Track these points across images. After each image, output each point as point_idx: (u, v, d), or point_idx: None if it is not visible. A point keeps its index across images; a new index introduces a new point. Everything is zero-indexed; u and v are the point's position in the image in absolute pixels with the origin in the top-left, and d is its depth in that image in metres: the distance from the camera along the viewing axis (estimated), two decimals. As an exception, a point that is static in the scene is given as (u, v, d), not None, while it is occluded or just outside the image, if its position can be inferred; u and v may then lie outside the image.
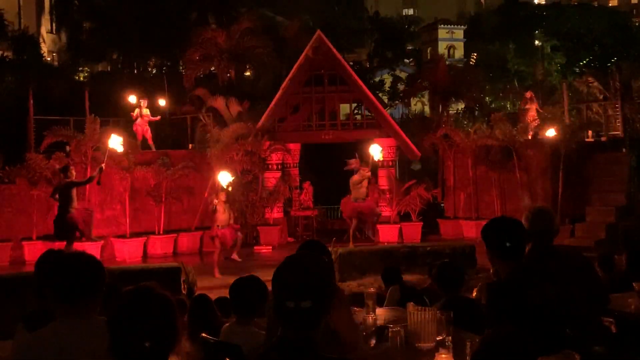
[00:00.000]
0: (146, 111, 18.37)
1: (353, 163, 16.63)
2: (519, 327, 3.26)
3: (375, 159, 16.13)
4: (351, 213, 16.63)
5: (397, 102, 28.17)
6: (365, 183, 16.63)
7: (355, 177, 16.53)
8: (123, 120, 18.99)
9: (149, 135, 18.30)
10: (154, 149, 18.13)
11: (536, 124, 18.19)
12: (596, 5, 48.33)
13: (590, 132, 19.25)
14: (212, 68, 24.09)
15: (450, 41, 45.77)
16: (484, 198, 18.57)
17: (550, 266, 4.18)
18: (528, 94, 19.52)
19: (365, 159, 16.45)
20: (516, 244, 4.00)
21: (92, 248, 14.31)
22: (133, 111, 18.37)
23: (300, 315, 2.45)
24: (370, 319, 4.57)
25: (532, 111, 18.88)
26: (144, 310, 2.45)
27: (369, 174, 16.65)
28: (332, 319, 3.70)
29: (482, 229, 4.12)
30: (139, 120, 18.16)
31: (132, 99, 18.64)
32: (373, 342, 4.29)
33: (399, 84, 28.80)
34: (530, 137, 17.92)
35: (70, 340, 2.88)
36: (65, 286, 3.00)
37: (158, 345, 2.42)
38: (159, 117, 19.11)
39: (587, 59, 32.94)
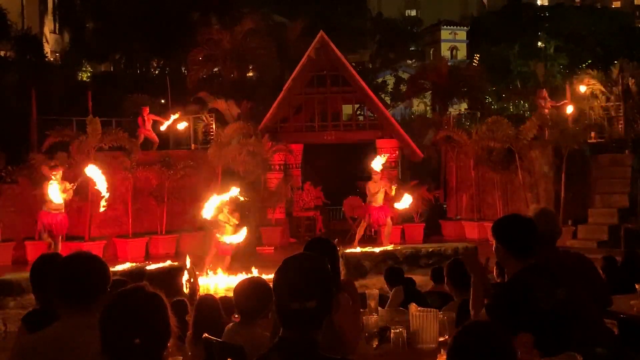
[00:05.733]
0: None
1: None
2: (523, 327, 3.26)
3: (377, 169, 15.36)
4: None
5: (399, 103, 28.16)
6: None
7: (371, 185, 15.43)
8: (125, 120, 18.99)
9: (153, 136, 18.21)
10: (155, 148, 18.11)
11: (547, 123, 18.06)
12: (599, 7, 48.27)
13: (592, 134, 19.21)
14: (216, 69, 24.09)
15: (453, 42, 45.77)
16: (487, 199, 18.55)
17: (552, 266, 4.18)
18: (543, 93, 19.33)
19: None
20: (530, 242, 3.98)
21: (94, 248, 14.38)
22: (138, 117, 18.24)
23: (305, 315, 2.45)
24: (372, 320, 4.57)
25: (547, 109, 18.69)
26: (133, 308, 2.47)
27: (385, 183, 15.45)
28: (336, 318, 3.70)
29: (494, 225, 4.07)
30: (145, 125, 18.04)
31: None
32: (375, 343, 4.29)
33: (401, 85, 28.77)
34: (531, 139, 17.82)
35: (74, 340, 2.89)
36: (70, 286, 3.01)
37: (148, 342, 2.43)
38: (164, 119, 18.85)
39: (590, 60, 32.90)
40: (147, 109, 18.37)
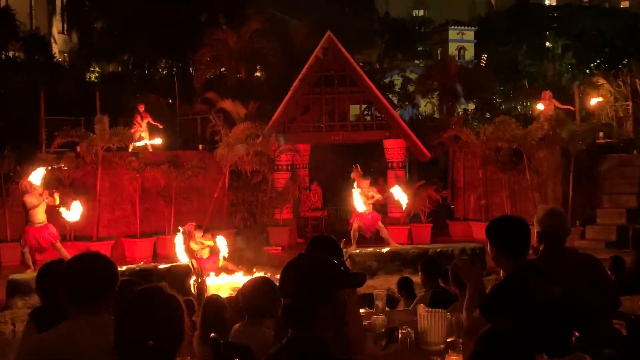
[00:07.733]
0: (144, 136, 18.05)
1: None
2: (516, 323, 3.25)
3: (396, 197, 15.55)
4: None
5: (406, 103, 28.14)
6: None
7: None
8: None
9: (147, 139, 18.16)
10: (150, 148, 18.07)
11: (551, 124, 18.01)
12: (607, 7, 48.13)
13: (601, 134, 19.14)
14: (223, 69, 24.13)
15: (461, 42, 45.65)
16: (494, 199, 18.50)
17: (560, 267, 4.17)
18: (547, 94, 19.24)
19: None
20: (520, 243, 3.98)
21: (102, 248, 14.40)
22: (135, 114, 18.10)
23: (289, 311, 2.48)
24: (380, 320, 4.56)
25: (550, 110, 18.61)
26: (149, 309, 2.47)
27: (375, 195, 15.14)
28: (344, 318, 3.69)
29: (486, 227, 4.09)
30: (138, 124, 17.93)
31: None
32: (383, 343, 4.29)
33: (409, 85, 28.75)
34: (540, 139, 17.77)
35: (84, 339, 2.90)
36: (78, 286, 3.02)
37: (162, 344, 2.43)
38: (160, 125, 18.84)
39: (598, 60, 32.81)
40: (143, 106, 18.31)
